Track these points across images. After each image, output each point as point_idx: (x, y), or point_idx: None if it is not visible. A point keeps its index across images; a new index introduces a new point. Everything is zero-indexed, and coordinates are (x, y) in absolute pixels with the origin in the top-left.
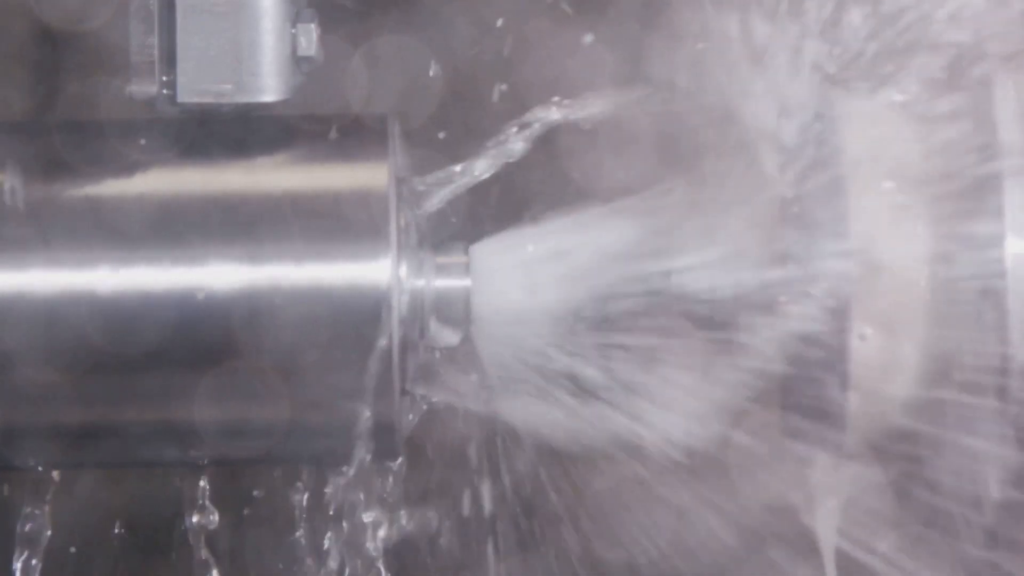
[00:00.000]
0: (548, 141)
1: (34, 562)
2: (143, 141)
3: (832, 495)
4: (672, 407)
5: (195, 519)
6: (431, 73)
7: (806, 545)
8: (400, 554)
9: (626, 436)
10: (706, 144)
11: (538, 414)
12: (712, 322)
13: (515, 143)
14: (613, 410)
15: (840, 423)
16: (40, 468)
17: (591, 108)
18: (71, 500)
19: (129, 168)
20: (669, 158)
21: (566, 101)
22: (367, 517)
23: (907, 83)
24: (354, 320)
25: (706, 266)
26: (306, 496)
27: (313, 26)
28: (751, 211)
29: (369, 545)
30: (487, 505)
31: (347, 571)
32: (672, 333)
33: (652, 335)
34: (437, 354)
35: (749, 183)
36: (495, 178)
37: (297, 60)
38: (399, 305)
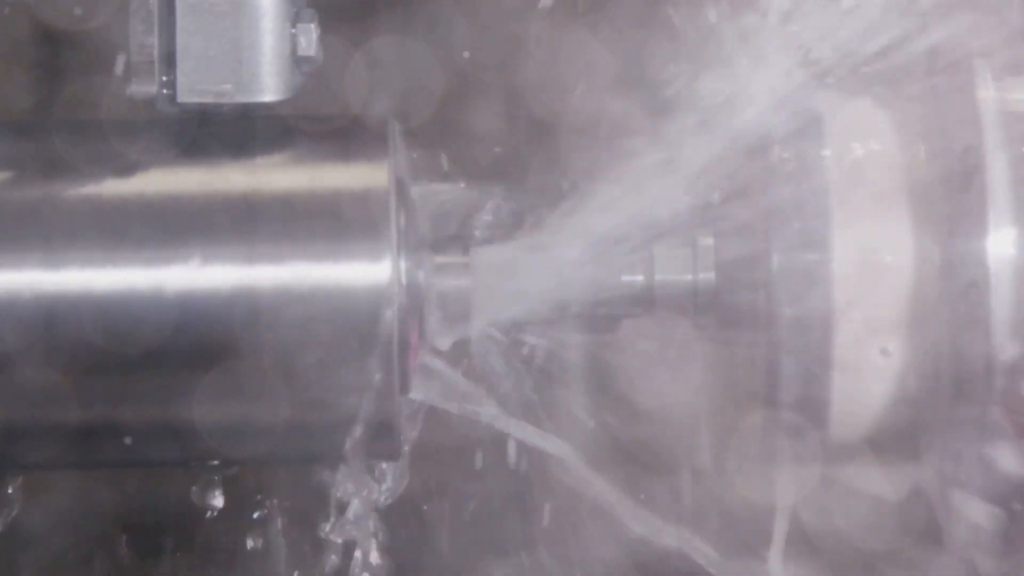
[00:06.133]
0: (548, 140)
1: None
2: (143, 141)
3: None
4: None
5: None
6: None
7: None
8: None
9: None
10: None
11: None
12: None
13: None
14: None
15: (824, 420)
16: (40, 468)
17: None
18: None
19: (129, 168)
20: (663, 153)
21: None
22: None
23: (890, 81)
24: (354, 320)
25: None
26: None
27: (313, 26)
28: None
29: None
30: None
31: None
32: (665, 328)
33: (645, 330)
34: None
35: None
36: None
37: (297, 60)
38: (399, 305)
